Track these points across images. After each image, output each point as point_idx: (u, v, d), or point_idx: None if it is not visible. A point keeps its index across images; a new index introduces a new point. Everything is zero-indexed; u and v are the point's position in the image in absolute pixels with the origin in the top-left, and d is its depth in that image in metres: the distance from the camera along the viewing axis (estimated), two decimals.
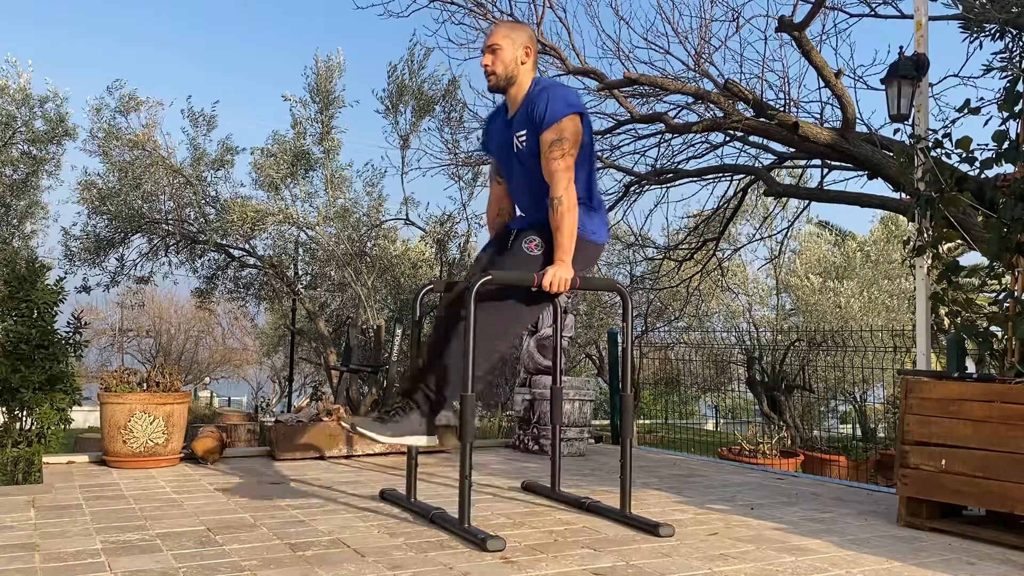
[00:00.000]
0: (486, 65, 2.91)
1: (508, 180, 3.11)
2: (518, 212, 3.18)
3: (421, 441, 2.80)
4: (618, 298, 3.00)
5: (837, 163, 6.55)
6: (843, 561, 2.43)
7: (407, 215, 7.86)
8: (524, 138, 2.89)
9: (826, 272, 12.89)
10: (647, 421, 13.32)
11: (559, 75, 6.83)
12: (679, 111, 7.17)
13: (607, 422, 7.40)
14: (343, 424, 2.78)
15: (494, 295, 2.79)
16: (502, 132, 3.03)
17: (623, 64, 6.87)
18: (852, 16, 6.17)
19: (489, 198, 3.28)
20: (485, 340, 2.74)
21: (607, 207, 8.07)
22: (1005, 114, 3.17)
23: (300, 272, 9.05)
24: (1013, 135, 3.13)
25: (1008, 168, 3.16)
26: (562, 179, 2.77)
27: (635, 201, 8.29)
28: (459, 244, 8.16)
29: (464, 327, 2.63)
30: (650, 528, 2.72)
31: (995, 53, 4.88)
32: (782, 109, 6.30)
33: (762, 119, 5.84)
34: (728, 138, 7.32)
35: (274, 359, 18.92)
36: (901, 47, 4.33)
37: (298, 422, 4.38)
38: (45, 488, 3.25)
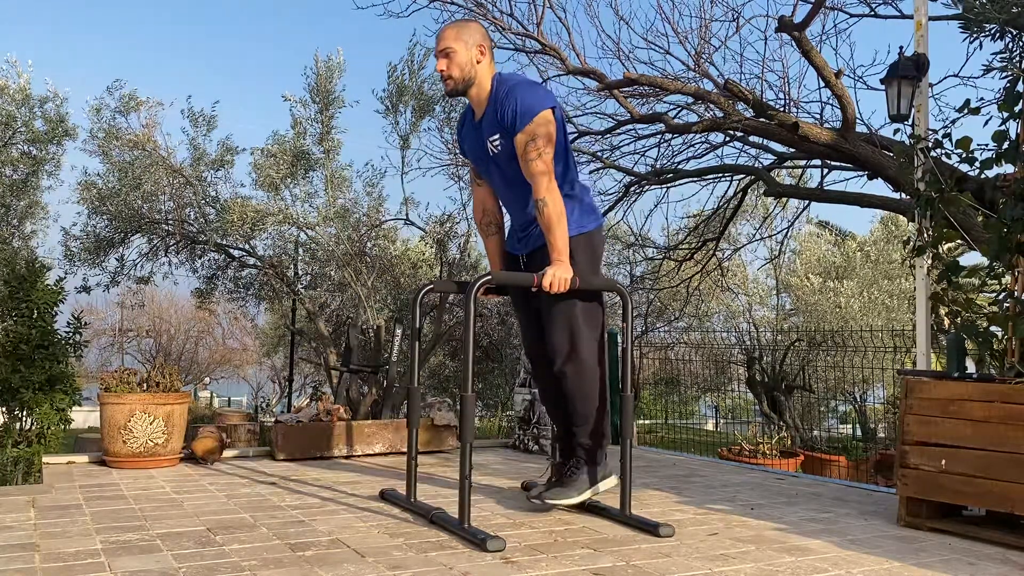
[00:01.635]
0: (441, 71, 2.85)
1: (489, 183, 3.11)
2: (505, 215, 3.18)
3: (607, 484, 3.01)
4: (618, 298, 3.00)
5: (837, 163, 6.55)
6: (843, 561, 2.43)
7: (407, 215, 7.86)
8: (498, 142, 2.86)
9: (826, 272, 12.89)
10: (647, 421, 13.31)
11: (559, 75, 6.84)
12: (679, 111, 7.17)
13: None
14: (531, 500, 2.97)
15: (578, 309, 2.90)
16: (473, 136, 3.00)
17: (623, 64, 6.87)
18: (852, 16, 6.17)
19: (474, 201, 3.28)
20: (594, 354, 2.94)
21: (606, 207, 8.10)
22: (1005, 114, 3.17)
23: (300, 272, 9.03)
24: (1013, 135, 3.13)
25: (1008, 168, 3.16)
26: (542, 180, 2.76)
27: (635, 201, 8.30)
28: (459, 244, 8.15)
29: (466, 325, 2.64)
30: (650, 528, 2.72)
31: (995, 53, 4.88)
32: (782, 109, 6.29)
33: (762, 119, 5.84)
34: (728, 138, 7.32)
35: (274, 359, 18.92)
36: (901, 47, 4.33)
37: (298, 422, 4.37)
38: (45, 488, 3.25)
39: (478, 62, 2.86)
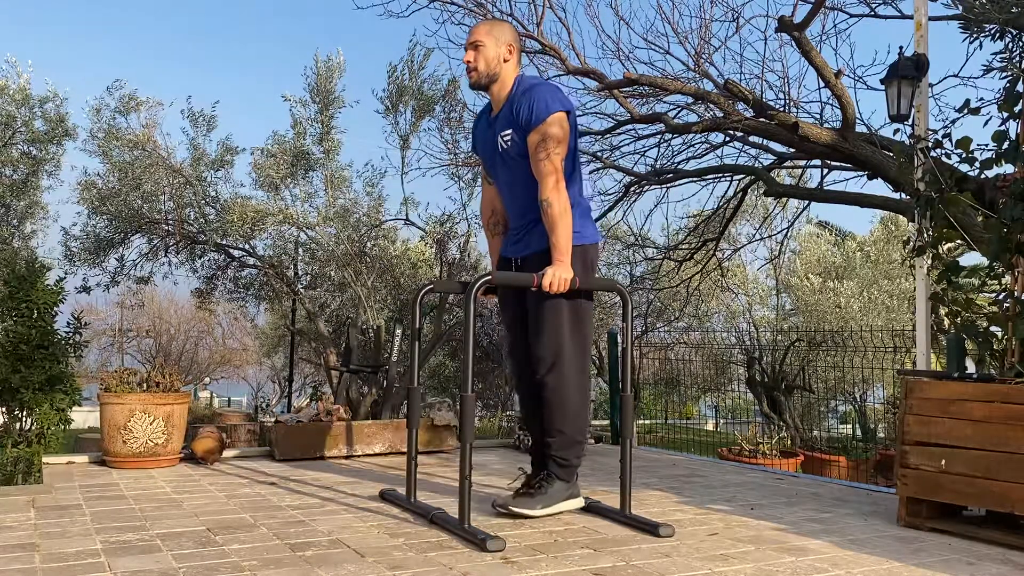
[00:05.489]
0: (468, 62, 2.90)
1: (495, 180, 3.10)
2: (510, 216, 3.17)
3: (571, 505, 2.97)
4: (618, 298, 3.00)
5: (837, 163, 6.55)
6: (843, 561, 2.43)
7: (407, 215, 7.85)
8: (508, 138, 2.88)
9: (826, 272, 12.89)
10: (647, 421, 13.31)
11: (559, 75, 6.83)
12: (679, 111, 7.17)
13: (607, 422, 7.40)
14: (496, 507, 2.91)
15: (566, 318, 2.86)
16: (486, 132, 3.02)
17: (623, 64, 6.87)
18: (852, 16, 6.18)
19: (482, 199, 3.27)
20: (579, 366, 2.89)
21: (606, 207, 8.10)
22: (1005, 114, 3.17)
23: (300, 272, 9.03)
24: (1013, 135, 3.13)
25: (1008, 168, 3.16)
26: (549, 180, 2.76)
27: (635, 201, 8.29)
28: (459, 244, 8.14)
29: (466, 329, 2.63)
30: (650, 528, 2.72)
31: (995, 53, 4.89)
32: (782, 109, 6.29)
33: (762, 119, 5.84)
34: (728, 138, 7.32)
35: (274, 359, 18.93)
36: (901, 47, 4.34)
37: (298, 422, 4.37)
38: (45, 488, 3.25)
39: (505, 60, 2.91)
